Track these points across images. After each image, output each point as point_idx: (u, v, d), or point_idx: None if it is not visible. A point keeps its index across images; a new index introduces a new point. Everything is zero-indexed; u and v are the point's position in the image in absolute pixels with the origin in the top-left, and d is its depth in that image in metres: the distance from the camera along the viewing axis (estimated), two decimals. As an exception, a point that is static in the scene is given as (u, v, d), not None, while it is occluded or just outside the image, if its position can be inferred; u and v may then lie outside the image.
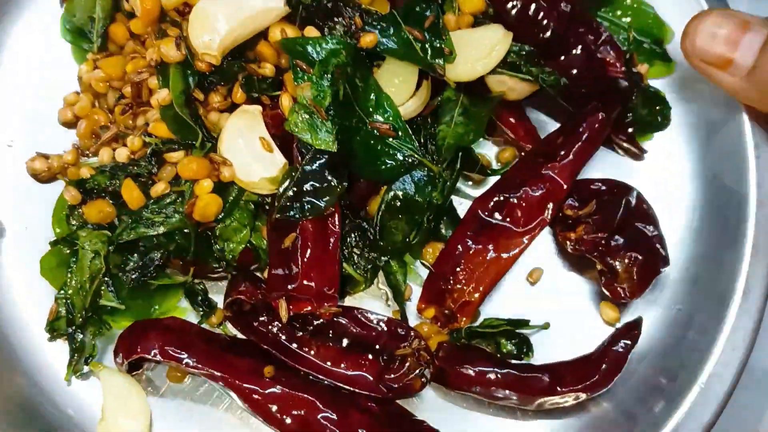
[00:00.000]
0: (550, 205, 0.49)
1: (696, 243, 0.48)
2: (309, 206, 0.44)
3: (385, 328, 0.42)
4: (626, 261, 0.45)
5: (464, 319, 0.46)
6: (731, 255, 0.44)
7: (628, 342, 0.43)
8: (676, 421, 0.40)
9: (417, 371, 0.41)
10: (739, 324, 0.44)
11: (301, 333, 0.43)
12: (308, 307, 0.41)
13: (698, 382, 0.41)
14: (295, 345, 0.43)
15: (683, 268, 0.48)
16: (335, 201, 0.45)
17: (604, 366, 0.42)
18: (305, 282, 0.42)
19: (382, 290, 0.49)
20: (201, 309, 0.50)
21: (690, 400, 0.41)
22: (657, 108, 0.53)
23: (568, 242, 0.50)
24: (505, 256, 0.47)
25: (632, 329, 0.45)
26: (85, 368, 0.52)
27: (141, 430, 0.50)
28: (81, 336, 0.47)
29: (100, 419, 0.51)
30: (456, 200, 0.54)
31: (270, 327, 0.43)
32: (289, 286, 0.42)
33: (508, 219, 0.49)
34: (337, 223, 0.44)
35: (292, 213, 0.44)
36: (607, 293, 0.47)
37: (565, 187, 0.49)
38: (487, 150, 0.57)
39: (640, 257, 0.46)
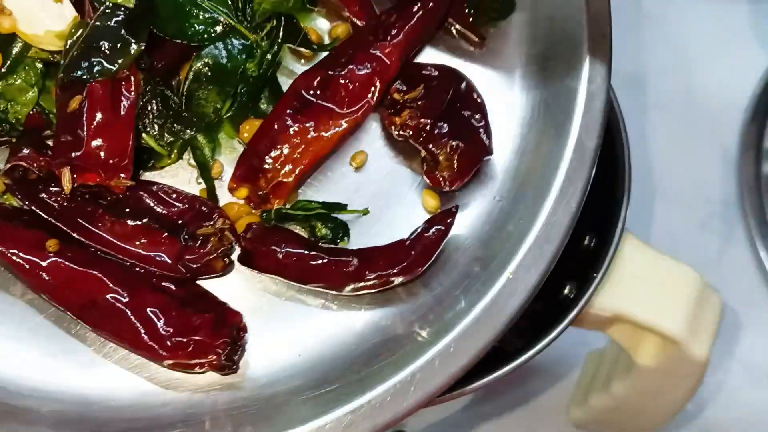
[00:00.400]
0: (377, 87, 0.48)
1: (523, 137, 0.48)
2: (99, 67, 0.43)
3: (189, 207, 0.44)
4: (448, 149, 0.47)
5: (277, 200, 0.46)
6: (555, 150, 0.46)
7: (441, 228, 0.45)
8: (481, 307, 0.43)
9: (219, 251, 0.43)
10: (554, 219, 0.44)
11: (92, 207, 0.43)
12: (96, 179, 0.42)
13: (507, 271, 0.44)
14: (84, 219, 0.43)
15: (508, 160, 0.48)
16: (130, 63, 0.43)
17: (415, 251, 0.44)
18: (92, 150, 0.42)
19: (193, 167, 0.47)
20: None
21: (497, 288, 0.44)
22: None
23: (393, 127, 0.49)
24: (325, 135, 0.47)
25: (447, 217, 0.45)
26: None
27: None
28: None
29: None
30: (286, 81, 0.48)
31: (57, 198, 0.44)
32: (74, 154, 0.42)
33: (330, 98, 0.48)
34: (132, 87, 0.44)
35: (79, 73, 0.43)
36: (428, 181, 0.47)
37: (393, 68, 0.48)
38: (321, 25, 0.51)
39: (462, 145, 0.47)
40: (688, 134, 0.70)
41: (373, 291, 0.44)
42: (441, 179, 0.46)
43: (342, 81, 0.48)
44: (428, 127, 0.47)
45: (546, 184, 0.45)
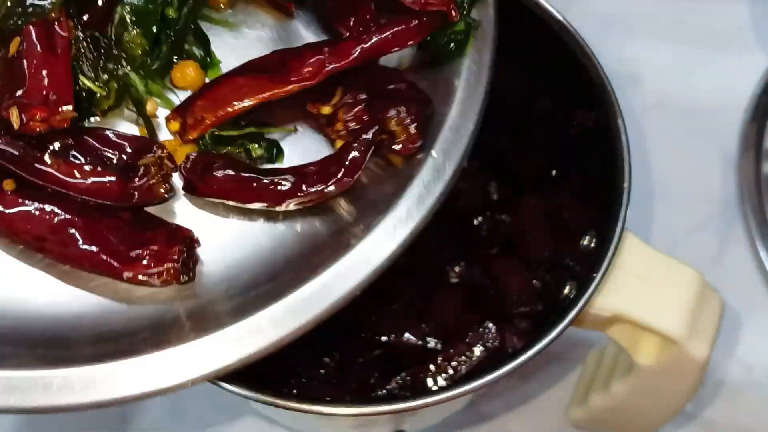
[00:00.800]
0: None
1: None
2: (31, 9, 0.44)
3: (129, 143, 0.45)
4: (395, 117, 0.45)
5: (195, 132, 0.46)
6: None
7: (367, 138, 0.45)
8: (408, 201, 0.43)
9: (160, 177, 0.44)
10: (467, 102, 0.46)
11: (41, 152, 0.44)
12: (42, 113, 0.43)
13: (431, 151, 0.45)
14: (35, 162, 0.44)
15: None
16: (61, 4, 0.44)
17: (345, 164, 0.44)
18: (34, 87, 0.43)
19: (132, 111, 0.48)
20: None
21: (424, 169, 0.44)
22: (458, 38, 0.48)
23: (337, 134, 0.47)
24: (261, 96, 0.46)
25: (370, 127, 0.45)
26: None
27: None
28: None
29: None
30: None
31: (6, 144, 0.44)
32: (18, 93, 0.43)
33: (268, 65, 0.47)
34: (66, 28, 0.45)
35: (14, 19, 0.44)
36: (395, 155, 0.46)
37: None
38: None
39: (403, 108, 0.45)
40: (688, 134, 0.70)
41: (309, 205, 0.44)
42: (404, 145, 0.45)
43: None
44: (366, 113, 0.46)
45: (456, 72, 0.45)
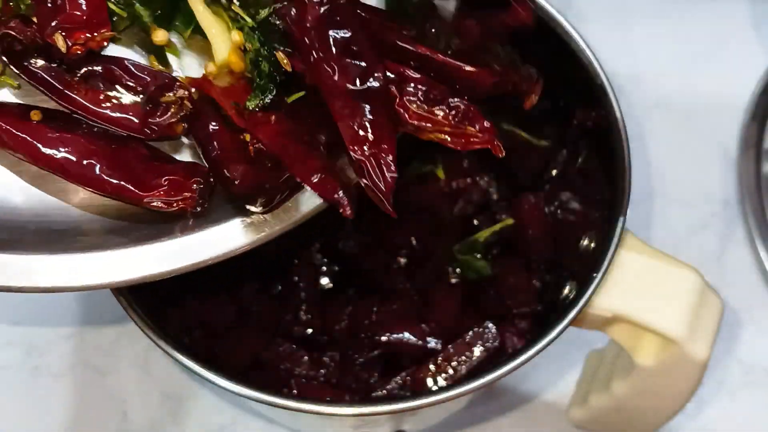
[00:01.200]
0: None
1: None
2: None
3: (153, 78, 0.45)
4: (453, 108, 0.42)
5: None
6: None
7: None
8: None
9: (179, 116, 0.45)
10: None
11: (69, 77, 0.45)
12: (84, 35, 0.44)
13: None
14: (65, 87, 0.45)
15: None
16: None
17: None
18: (73, 11, 0.44)
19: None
20: None
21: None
22: None
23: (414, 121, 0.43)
24: None
25: None
26: None
27: None
28: None
29: None
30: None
31: (41, 67, 0.45)
32: (58, 19, 0.44)
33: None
34: None
35: None
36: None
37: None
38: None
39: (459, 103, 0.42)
40: (688, 134, 0.70)
41: None
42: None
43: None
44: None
45: None
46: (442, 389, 0.45)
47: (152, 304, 0.51)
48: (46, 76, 0.45)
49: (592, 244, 0.50)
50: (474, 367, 0.50)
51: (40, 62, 0.45)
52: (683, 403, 0.51)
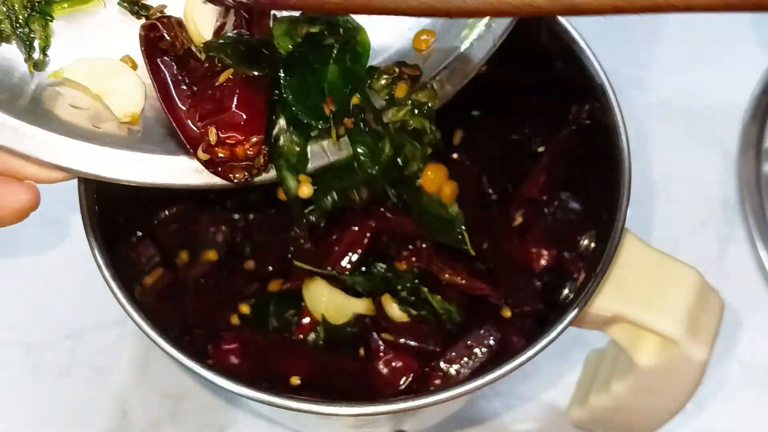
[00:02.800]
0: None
1: None
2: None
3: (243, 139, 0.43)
4: None
5: None
6: None
7: None
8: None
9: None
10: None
11: (188, 90, 0.44)
12: (237, 137, 0.42)
13: None
14: (177, 96, 0.44)
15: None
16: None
17: None
18: (234, 116, 0.43)
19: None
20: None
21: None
22: None
23: None
24: None
25: None
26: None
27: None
28: (30, 32, 0.44)
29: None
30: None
31: (168, 70, 0.43)
32: (218, 116, 0.42)
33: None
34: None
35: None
36: None
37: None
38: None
39: None
40: (688, 134, 0.70)
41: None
42: None
43: None
44: None
45: None
46: (442, 389, 0.45)
47: (152, 303, 0.51)
48: (168, 79, 0.44)
49: (592, 244, 0.50)
50: (474, 367, 0.50)
51: (171, 65, 0.44)
52: (683, 403, 0.51)
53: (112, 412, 0.61)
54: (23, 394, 0.62)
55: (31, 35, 0.43)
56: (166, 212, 0.51)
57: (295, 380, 0.47)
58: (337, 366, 0.50)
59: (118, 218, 0.47)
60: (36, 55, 0.44)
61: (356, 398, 0.46)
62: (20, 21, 0.43)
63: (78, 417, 0.62)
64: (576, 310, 0.45)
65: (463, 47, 0.44)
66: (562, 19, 0.51)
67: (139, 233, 0.52)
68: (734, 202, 0.67)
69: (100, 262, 0.46)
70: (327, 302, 0.51)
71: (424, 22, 0.46)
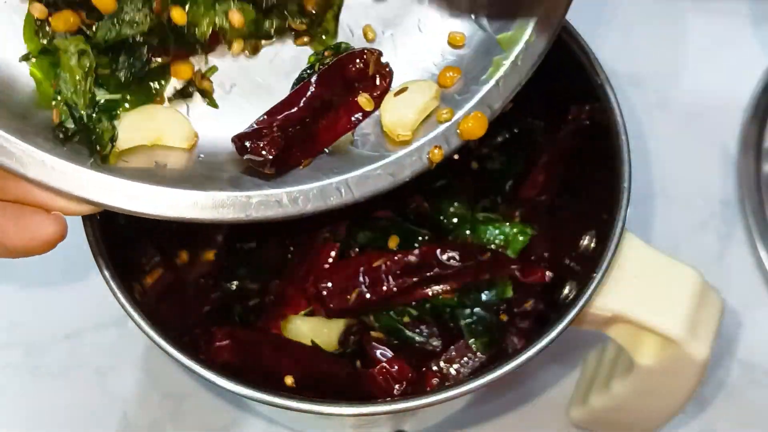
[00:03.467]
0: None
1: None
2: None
3: None
4: None
5: None
6: None
7: None
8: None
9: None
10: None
11: None
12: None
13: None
14: None
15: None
16: None
17: None
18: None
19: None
20: None
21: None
22: None
23: None
24: None
25: None
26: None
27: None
28: (95, 123, 0.44)
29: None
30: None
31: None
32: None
33: None
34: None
35: None
36: None
37: None
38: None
39: None
40: (688, 134, 0.70)
41: None
42: None
43: None
44: None
45: None
46: (442, 389, 0.45)
47: (152, 303, 0.51)
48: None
49: (592, 244, 0.50)
50: (474, 367, 0.50)
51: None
52: (683, 403, 0.50)
53: (112, 412, 0.62)
54: (23, 393, 0.62)
55: (97, 130, 0.43)
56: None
57: (289, 380, 0.47)
58: (330, 369, 0.50)
59: (117, 219, 0.47)
60: (103, 148, 0.44)
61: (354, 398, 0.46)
62: (84, 119, 0.43)
63: (78, 417, 0.62)
64: (576, 309, 0.45)
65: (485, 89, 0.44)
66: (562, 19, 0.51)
67: (139, 233, 0.52)
68: (734, 201, 0.67)
69: (101, 262, 0.46)
70: (311, 334, 0.51)
71: (449, 59, 0.46)
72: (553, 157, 0.54)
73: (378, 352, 0.50)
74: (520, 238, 0.51)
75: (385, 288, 0.49)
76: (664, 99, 0.71)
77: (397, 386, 0.47)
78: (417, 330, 0.51)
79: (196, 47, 0.46)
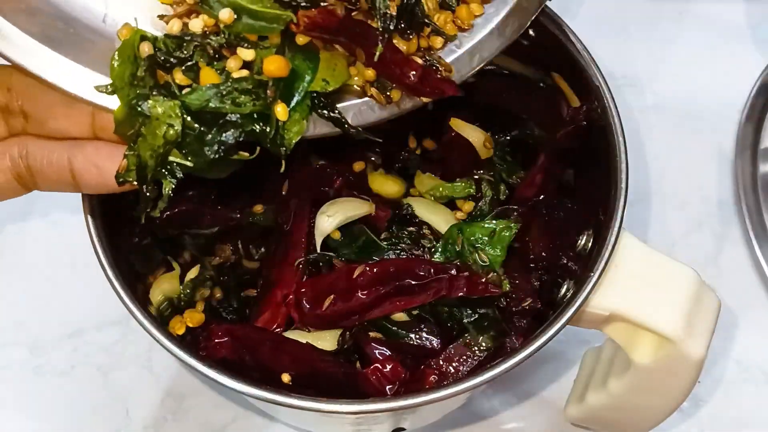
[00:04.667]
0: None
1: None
2: None
3: None
4: None
5: None
6: None
7: None
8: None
9: None
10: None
11: None
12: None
13: None
14: None
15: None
16: None
17: None
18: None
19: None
20: None
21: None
22: None
23: None
24: None
25: None
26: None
27: None
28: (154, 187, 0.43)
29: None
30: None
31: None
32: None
33: None
34: None
35: None
36: None
37: None
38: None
39: None
40: (684, 134, 0.70)
41: None
42: None
43: None
44: None
45: None
46: (441, 387, 0.45)
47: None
48: None
49: (590, 244, 0.50)
50: (473, 365, 0.50)
51: None
52: (680, 402, 0.51)
53: (114, 410, 0.62)
54: (27, 392, 0.62)
55: (155, 188, 0.44)
56: (168, 212, 0.51)
57: (286, 377, 0.47)
58: (327, 368, 0.50)
59: (121, 218, 0.47)
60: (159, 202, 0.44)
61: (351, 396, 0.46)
62: (148, 178, 0.44)
63: (81, 415, 0.62)
64: (573, 309, 0.46)
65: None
66: (559, 21, 0.52)
67: (142, 233, 0.52)
68: (730, 201, 0.68)
69: (104, 261, 0.46)
70: (310, 335, 0.51)
71: None
72: (551, 157, 0.54)
73: (377, 352, 0.50)
74: (505, 234, 0.51)
75: (359, 297, 0.48)
76: (661, 100, 0.71)
77: (389, 386, 0.47)
78: (416, 329, 0.51)
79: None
